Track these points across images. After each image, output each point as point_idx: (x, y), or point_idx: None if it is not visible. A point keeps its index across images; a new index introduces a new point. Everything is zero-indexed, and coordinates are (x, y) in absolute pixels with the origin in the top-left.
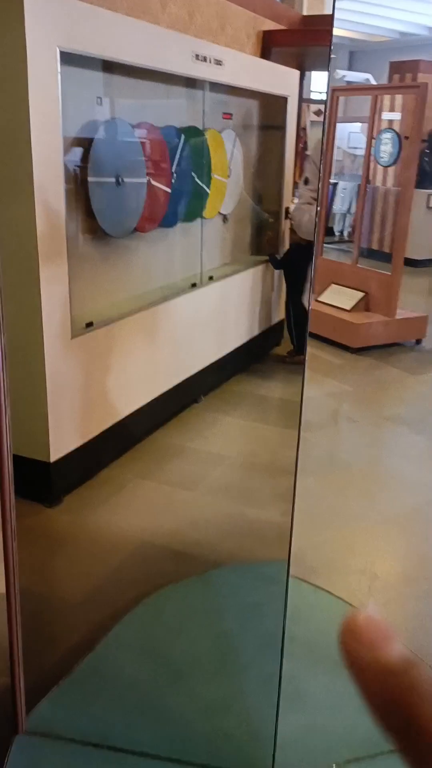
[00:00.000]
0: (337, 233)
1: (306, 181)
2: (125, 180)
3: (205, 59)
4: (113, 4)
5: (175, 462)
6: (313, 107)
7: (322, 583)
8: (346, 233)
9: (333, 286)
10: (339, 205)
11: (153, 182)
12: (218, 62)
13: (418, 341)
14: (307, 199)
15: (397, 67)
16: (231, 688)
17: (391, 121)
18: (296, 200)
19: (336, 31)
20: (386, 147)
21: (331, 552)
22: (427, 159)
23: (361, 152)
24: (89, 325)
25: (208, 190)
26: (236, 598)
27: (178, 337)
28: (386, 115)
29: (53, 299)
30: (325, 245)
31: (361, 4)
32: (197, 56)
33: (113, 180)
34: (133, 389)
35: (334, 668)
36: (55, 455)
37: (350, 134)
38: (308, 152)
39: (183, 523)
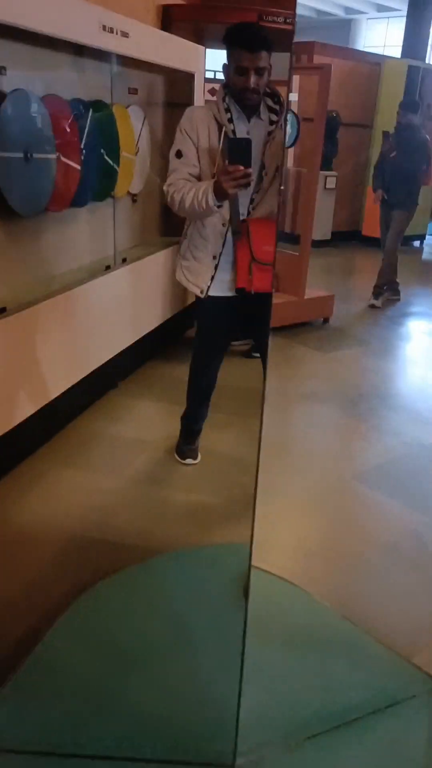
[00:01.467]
0: None
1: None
2: (34, 155)
3: (112, 30)
4: None
5: (97, 449)
6: (207, 86)
7: (258, 563)
8: None
9: None
10: None
11: (63, 158)
12: (124, 34)
13: (326, 320)
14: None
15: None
16: (186, 670)
17: (289, 102)
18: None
19: None
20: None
21: (263, 530)
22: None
23: None
24: (1, 311)
25: (117, 167)
26: (179, 583)
27: (94, 322)
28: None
29: None
30: None
31: None
32: (104, 27)
33: (21, 155)
34: (50, 376)
35: (284, 645)
36: None
37: None
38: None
39: (112, 511)
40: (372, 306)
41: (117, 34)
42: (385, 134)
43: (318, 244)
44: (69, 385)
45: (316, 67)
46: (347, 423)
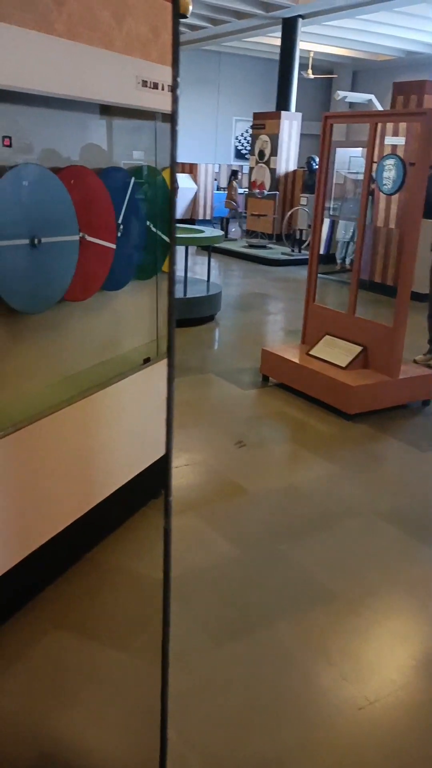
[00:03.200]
0: (339, 261)
1: None
2: (43, 240)
3: (155, 86)
4: (44, 24)
5: (112, 598)
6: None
7: None
8: (348, 261)
9: (327, 337)
10: (342, 233)
11: (89, 238)
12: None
13: (425, 402)
14: None
15: (401, 88)
16: None
17: (394, 146)
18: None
19: (339, 51)
20: (389, 174)
21: None
22: None
23: (362, 177)
24: None
25: (168, 239)
26: None
27: (128, 425)
28: (389, 140)
29: None
30: (322, 276)
31: (365, 23)
32: (144, 82)
33: (24, 242)
34: (60, 502)
35: None
36: None
37: (351, 158)
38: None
39: (98, 726)
40: (415, 362)
41: (163, 89)
42: None
43: (425, 297)
44: (84, 512)
45: (418, 113)
46: None
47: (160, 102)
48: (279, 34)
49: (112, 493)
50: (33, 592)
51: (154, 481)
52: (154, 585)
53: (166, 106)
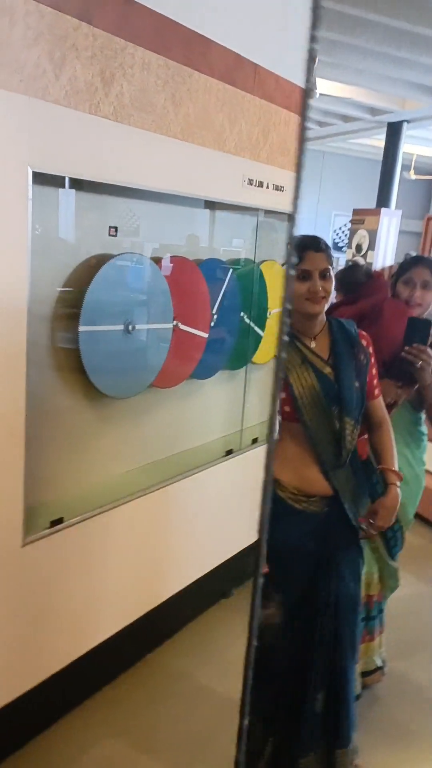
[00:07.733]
0: None
1: None
2: (137, 326)
3: (261, 185)
4: (164, 128)
5: (171, 708)
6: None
7: None
8: None
9: None
10: None
11: (183, 327)
12: (279, 188)
13: None
14: None
15: None
16: None
17: None
18: None
19: None
20: None
21: None
22: None
23: None
24: (56, 522)
25: (261, 332)
26: None
27: (204, 519)
28: None
29: None
30: None
31: None
32: (250, 181)
33: (119, 328)
34: (127, 596)
35: None
36: None
37: None
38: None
39: None
40: None
41: (268, 188)
42: None
43: None
44: (147, 610)
45: None
46: None
47: (264, 200)
48: (383, 136)
49: (181, 589)
50: (88, 693)
51: (225, 578)
52: (217, 698)
53: (269, 204)
